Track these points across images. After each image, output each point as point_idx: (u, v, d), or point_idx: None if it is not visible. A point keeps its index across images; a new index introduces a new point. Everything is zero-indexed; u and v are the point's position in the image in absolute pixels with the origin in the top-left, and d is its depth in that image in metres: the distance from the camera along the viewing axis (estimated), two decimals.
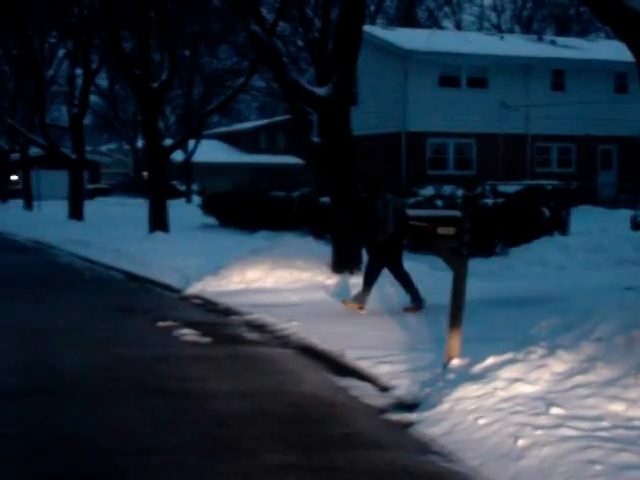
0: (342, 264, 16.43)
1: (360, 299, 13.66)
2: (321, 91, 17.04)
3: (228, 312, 13.79)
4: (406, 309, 13.54)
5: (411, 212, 13.73)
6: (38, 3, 41.30)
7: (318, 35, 33.11)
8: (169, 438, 7.22)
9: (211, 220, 34.17)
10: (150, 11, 28.63)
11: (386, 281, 13.99)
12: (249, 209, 30.42)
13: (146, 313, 13.83)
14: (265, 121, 77.09)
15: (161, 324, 12.59)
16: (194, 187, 64.55)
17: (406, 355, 9.98)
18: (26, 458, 6.72)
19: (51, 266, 21.91)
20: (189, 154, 60.62)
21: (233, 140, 77.01)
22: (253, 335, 11.92)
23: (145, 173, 62.14)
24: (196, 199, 55.67)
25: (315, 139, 21.59)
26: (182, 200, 57.74)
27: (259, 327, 12.41)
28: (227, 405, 8.23)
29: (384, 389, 8.84)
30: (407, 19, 57.00)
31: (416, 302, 13.53)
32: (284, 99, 31.39)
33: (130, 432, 7.38)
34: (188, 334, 11.76)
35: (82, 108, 40.08)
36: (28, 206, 51.29)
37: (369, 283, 13.68)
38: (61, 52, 48.31)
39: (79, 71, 41.39)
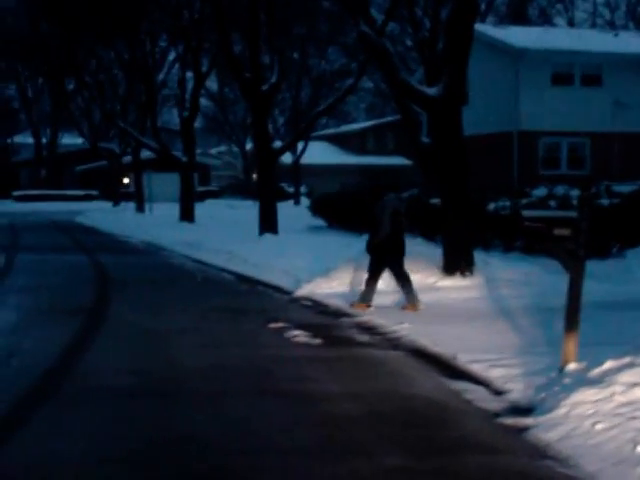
0: (453, 266, 16.26)
1: (365, 298, 14.20)
2: (432, 91, 16.90)
3: (338, 314, 13.78)
4: (404, 307, 13.98)
5: (526, 213, 13.56)
6: (149, 7, 42.05)
7: (428, 35, 32.94)
8: (282, 439, 7.22)
9: (319, 222, 34.27)
10: (260, 14, 28.85)
11: (501, 284, 13.79)
12: (357, 211, 30.35)
13: (258, 314, 13.91)
14: (373, 122, 76.98)
15: (273, 325, 12.65)
16: (302, 189, 64.92)
17: (520, 358, 9.80)
18: (141, 458, 6.79)
19: (163, 268, 22.25)
20: (298, 156, 60.94)
21: (341, 141, 77.11)
22: (364, 337, 11.87)
23: (254, 175, 62.82)
24: (304, 201, 56.00)
25: (425, 139, 21.41)
26: (290, 202, 58.12)
27: (370, 329, 12.36)
28: (339, 407, 8.19)
29: (498, 393, 8.69)
30: (518, 17, 56.23)
31: (413, 302, 13.97)
32: (393, 99, 31.24)
33: (244, 432, 7.40)
34: (299, 335, 11.78)
35: (193, 111, 40.65)
36: (140, 209, 52.26)
37: (370, 282, 14.29)
38: (172, 56, 49.20)
39: (190, 74, 42.04)
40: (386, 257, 14.27)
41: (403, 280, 14.21)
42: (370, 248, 14.52)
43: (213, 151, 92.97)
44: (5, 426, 7.59)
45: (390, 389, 8.91)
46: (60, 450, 6.94)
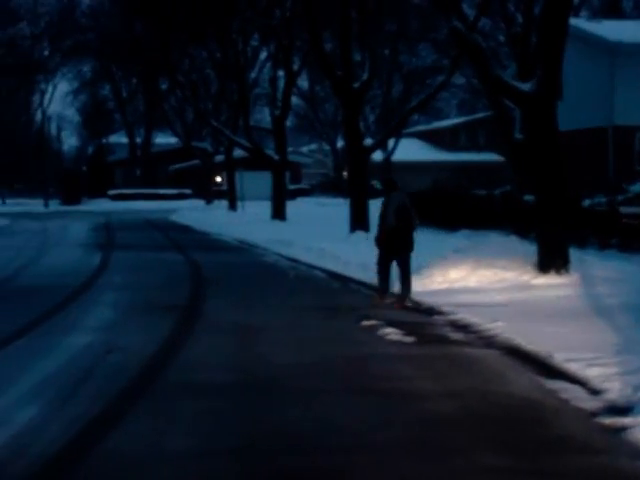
0: (548, 263, 16.06)
1: (381, 291, 14.99)
2: (525, 87, 16.72)
3: (431, 312, 13.71)
4: (393, 302, 14.60)
5: (624, 210, 13.34)
6: (241, 6, 42.41)
7: (520, 30, 32.53)
8: (376, 437, 7.23)
9: None
10: (351, 11, 28.85)
11: (597, 282, 13.57)
12: (449, 208, 30.19)
13: (350, 312, 13.94)
14: (465, 118, 76.47)
15: (365, 323, 12.66)
16: None
17: (617, 357, 9.62)
18: (238, 453, 6.86)
19: (256, 265, 22.44)
20: (388, 153, 60.79)
21: (432, 138, 76.76)
22: (457, 335, 11.81)
23: (345, 173, 62.86)
24: None
25: (518, 135, 21.23)
26: (381, 199, 57.97)
27: (463, 327, 12.27)
28: (434, 405, 8.17)
29: (595, 392, 8.54)
30: (612, 10, 55.21)
31: (402, 302, 14.46)
32: (485, 95, 31.02)
33: (338, 430, 7.41)
34: (392, 333, 11.76)
35: (284, 110, 40.83)
36: (232, 207, 52.72)
37: (381, 275, 15.00)
38: (263, 55, 49.53)
39: (281, 73, 42.25)
40: (395, 251, 14.78)
41: (405, 277, 14.68)
42: (377, 242, 15.05)
43: (304, 149, 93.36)
44: (105, 422, 7.73)
45: (485, 388, 8.85)
46: (160, 445, 7.06)
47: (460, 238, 23.64)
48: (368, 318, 12.97)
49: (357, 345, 11.17)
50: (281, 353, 10.73)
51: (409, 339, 11.41)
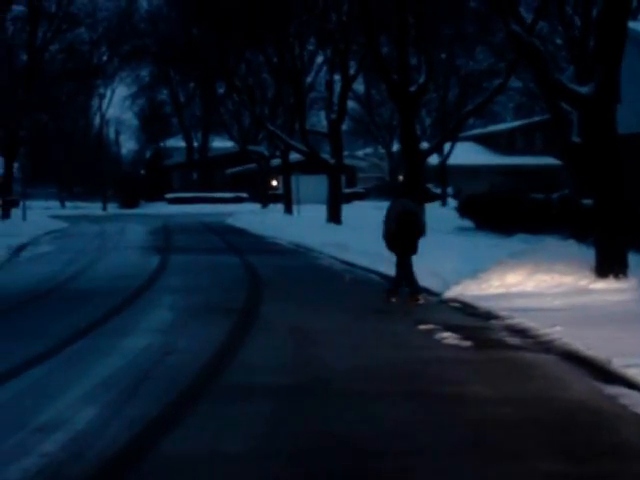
0: (607, 268, 15.88)
1: (389, 291, 15.88)
2: (584, 90, 16.59)
3: (488, 316, 13.64)
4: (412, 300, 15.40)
5: None
6: (297, 11, 42.55)
7: (578, 33, 32.29)
8: (433, 441, 7.22)
9: (467, 223, 34.01)
10: (408, 15, 28.83)
11: None
12: (506, 212, 30.02)
13: (406, 315, 13.94)
14: (521, 122, 75.86)
15: (422, 327, 12.65)
16: (449, 190, 64.51)
17: None
18: (298, 456, 6.89)
19: (312, 269, 22.51)
20: (444, 157, 60.59)
21: (488, 142, 76.30)
22: (514, 340, 11.74)
23: (401, 177, 62.73)
24: (451, 202, 55.64)
25: (575, 139, 21.05)
26: (437, 203, 57.82)
27: (520, 332, 12.19)
28: (492, 410, 8.14)
29: None
30: None
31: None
32: (543, 99, 30.79)
33: (394, 434, 7.42)
34: (449, 337, 11.74)
35: (340, 113, 40.87)
36: (288, 210, 52.84)
37: (397, 273, 15.97)
38: (319, 59, 49.66)
39: (337, 77, 42.31)
40: (399, 253, 15.90)
41: (410, 276, 15.72)
42: (386, 244, 16.11)
43: (359, 153, 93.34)
44: (163, 424, 7.80)
45: (543, 393, 8.80)
46: (218, 447, 7.11)
47: (517, 242, 23.51)
48: (425, 322, 12.95)
49: (414, 349, 11.17)
50: (337, 356, 10.75)
51: (466, 343, 11.38)
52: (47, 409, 8.17)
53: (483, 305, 14.50)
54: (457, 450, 6.97)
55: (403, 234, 15.63)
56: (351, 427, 7.62)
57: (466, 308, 14.65)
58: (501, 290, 15.75)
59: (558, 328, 11.88)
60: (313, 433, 7.44)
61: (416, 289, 15.68)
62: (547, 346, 11.15)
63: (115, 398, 8.61)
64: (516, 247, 20.85)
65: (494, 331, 12.45)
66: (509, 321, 12.96)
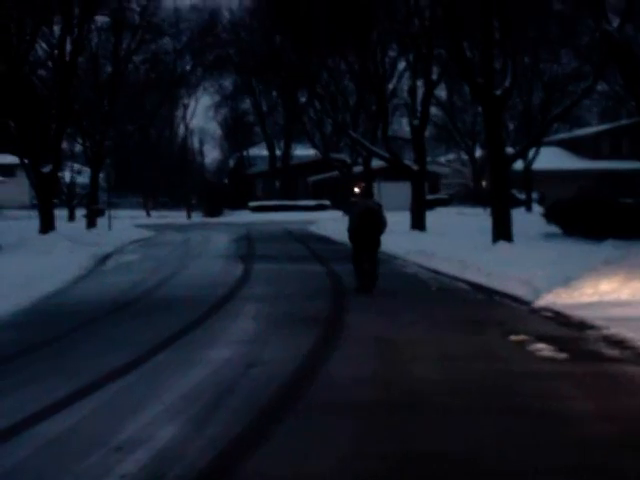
0: None
1: (356, 283, 18.26)
2: None
3: (583, 326, 13.11)
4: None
5: None
6: (379, 17, 42.26)
7: None
8: (532, 461, 6.78)
9: (554, 229, 33.29)
10: (493, 19, 28.32)
11: None
12: (596, 217, 29.26)
13: (496, 326, 13.47)
14: (608, 126, 74.48)
15: (513, 338, 12.20)
16: (533, 195, 63.59)
17: None
18: (394, 475, 6.54)
19: (397, 276, 22.16)
20: (529, 162, 59.72)
21: (573, 146, 75.12)
22: (613, 351, 11.19)
23: (484, 182, 62.02)
24: (536, 208, 54.75)
25: None
26: (522, 209, 56.99)
27: (618, 343, 11.63)
28: (592, 428, 7.67)
29: None
30: None
31: (374, 287, 18.03)
32: (635, 101, 29.98)
33: (490, 453, 7.01)
34: (543, 349, 11.26)
35: (423, 120, 40.52)
36: None
37: (355, 269, 18.52)
38: (401, 65, 49.28)
39: (419, 83, 41.90)
40: (364, 248, 18.29)
41: (373, 270, 18.16)
42: (349, 237, 18.68)
43: (442, 159, 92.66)
44: (247, 440, 7.49)
45: None
46: (307, 465, 6.78)
47: (607, 248, 22.81)
48: (516, 332, 12.50)
49: (506, 361, 10.72)
50: (426, 368, 10.37)
51: (562, 355, 10.89)
52: (127, 425, 7.93)
53: (577, 314, 13.97)
54: (557, 470, 6.54)
55: (365, 229, 18.15)
56: (443, 444, 7.22)
57: (559, 317, 14.12)
58: (595, 298, 15.19)
59: None
60: (403, 451, 7.04)
61: (374, 283, 17.94)
62: None
63: (197, 414, 8.30)
64: (608, 253, 20.19)
65: (590, 342, 11.91)
66: (605, 331, 12.40)
